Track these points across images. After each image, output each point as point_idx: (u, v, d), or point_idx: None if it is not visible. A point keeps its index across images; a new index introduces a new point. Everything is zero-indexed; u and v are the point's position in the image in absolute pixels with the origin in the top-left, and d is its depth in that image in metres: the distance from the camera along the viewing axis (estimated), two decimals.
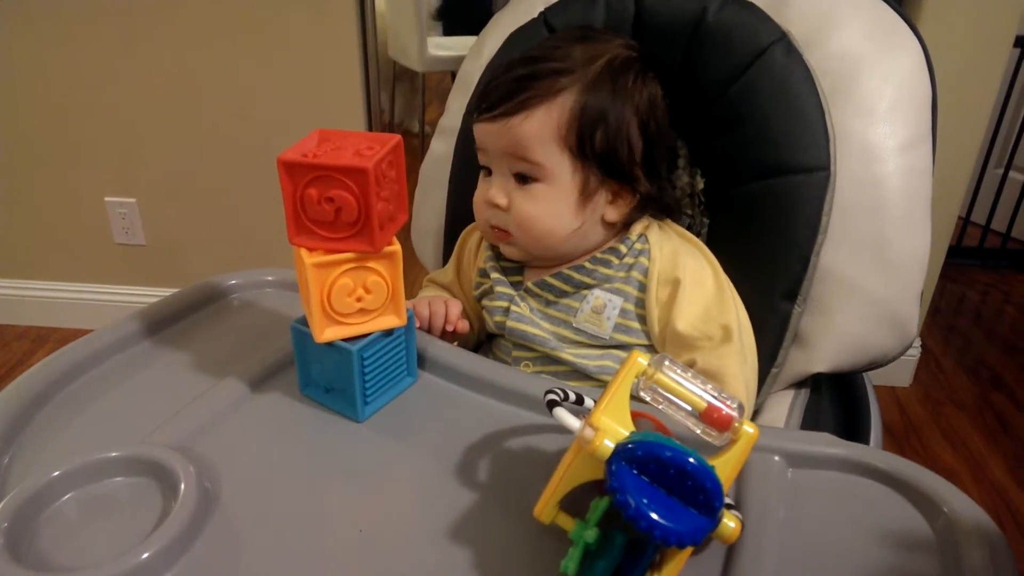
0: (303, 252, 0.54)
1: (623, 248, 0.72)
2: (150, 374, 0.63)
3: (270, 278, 0.76)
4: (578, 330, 0.71)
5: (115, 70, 1.61)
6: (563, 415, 0.46)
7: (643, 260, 0.71)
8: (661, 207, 0.74)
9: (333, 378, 0.58)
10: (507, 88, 0.67)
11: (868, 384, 0.81)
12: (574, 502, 0.44)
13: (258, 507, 0.49)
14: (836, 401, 0.80)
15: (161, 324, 0.68)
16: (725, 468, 0.43)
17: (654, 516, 0.38)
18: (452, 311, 0.73)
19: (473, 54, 0.88)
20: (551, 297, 0.73)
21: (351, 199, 0.51)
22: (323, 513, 0.50)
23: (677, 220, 0.79)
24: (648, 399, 0.45)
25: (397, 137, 0.55)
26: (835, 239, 0.71)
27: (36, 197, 1.77)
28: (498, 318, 0.74)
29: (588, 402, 0.52)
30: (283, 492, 0.51)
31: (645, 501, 0.39)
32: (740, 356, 0.68)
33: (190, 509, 0.46)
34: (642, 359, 0.45)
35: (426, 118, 3.31)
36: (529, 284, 0.74)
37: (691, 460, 0.40)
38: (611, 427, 0.42)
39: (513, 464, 0.54)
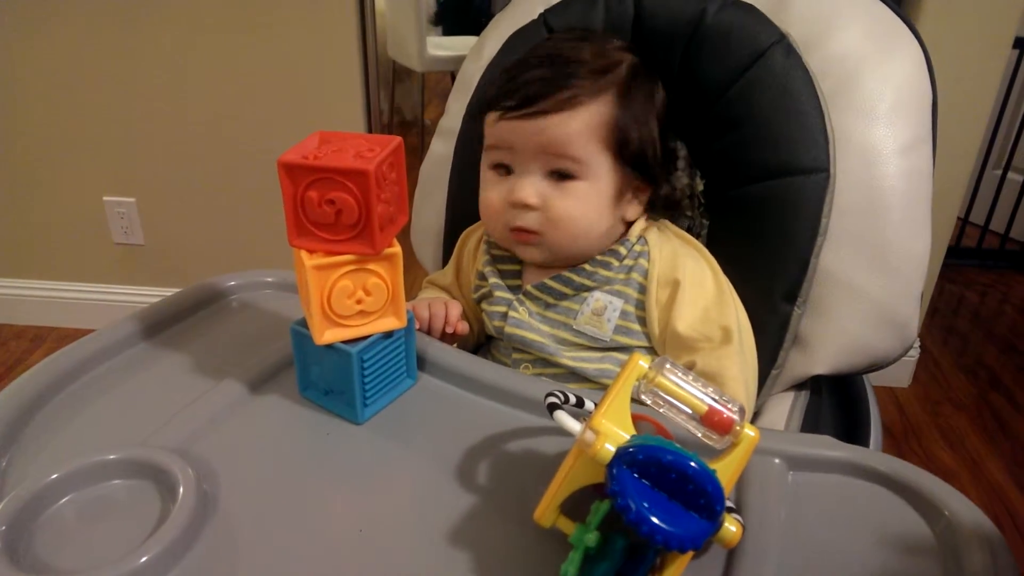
0: (303, 254, 0.54)
1: (623, 250, 0.72)
2: (148, 376, 0.63)
3: (269, 279, 0.76)
4: (578, 332, 0.71)
5: (114, 69, 1.61)
6: (564, 418, 0.46)
7: (643, 262, 0.71)
8: (668, 204, 0.76)
9: (332, 380, 0.58)
10: (541, 86, 0.66)
11: (868, 386, 0.81)
12: (575, 506, 0.44)
13: (257, 510, 0.49)
14: (836, 403, 0.79)
15: (160, 325, 0.68)
16: (726, 471, 0.43)
17: (655, 520, 0.38)
18: (452, 313, 0.73)
19: (473, 55, 0.88)
20: (550, 300, 0.73)
21: (352, 201, 0.51)
22: (322, 516, 0.50)
23: (677, 218, 0.79)
24: (649, 402, 0.45)
25: (398, 139, 0.55)
26: (835, 241, 0.71)
27: (34, 196, 1.76)
28: (497, 323, 0.74)
29: (589, 405, 0.52)
30: (282, 495, 0.51)
31: (646, 505, 0.39)
32: (740, 357, 0.68)
33: (189, 512, 0.46)
34: (643, 362, 0.45)
35: (425, 117, 3.31)
36: (528, 287, 0.74)
37: (692, 464, 0.40)
38: (612, 430, 0.42)
39: (513, 467, 0.54)
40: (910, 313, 0.72)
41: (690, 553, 0.41)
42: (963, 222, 2.36)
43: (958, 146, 1.47)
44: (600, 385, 0.70)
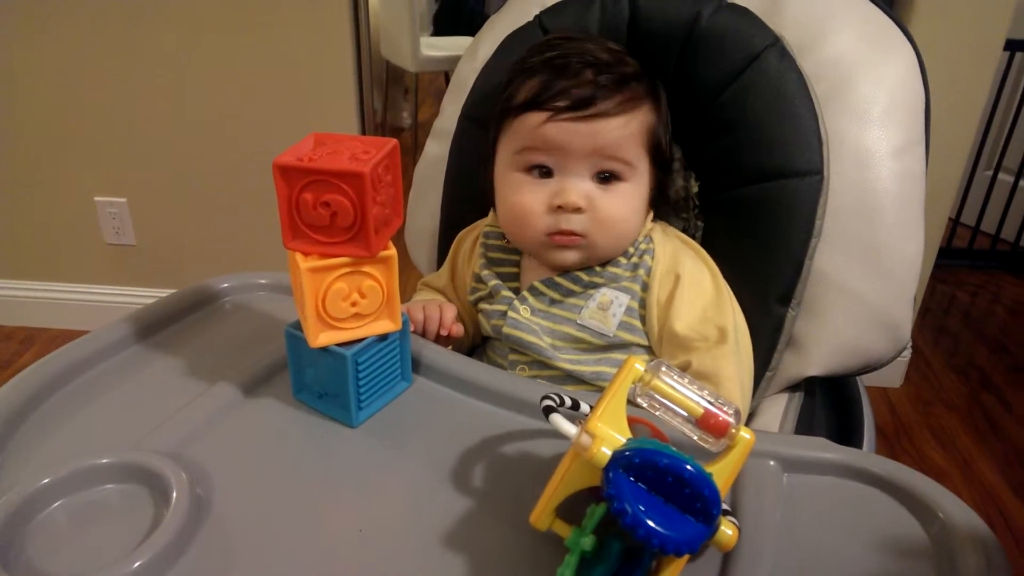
0: (298, 256, 0.54)
1: (630, 248, 0.72)
2: (141, 379, 0.62)
3: (263, 281, 0.75)
4: (582, 327, 0.71)
5: (106, 70, 1.60)
6: (560, 421, 0.45)
7: (647, 259, 0.72)
8: (665, 206, 0.78)
9: (327, 383, 0.58)
10: (597, 88, 0.66)
11: (861, 387, 0.81)
12: (570, 509, 0.44)
13: (251, 514, 0.49)
14: (829, 404, 0.80)
15: (152, 328, 0.68)
16: (722, 474, 0.43)
17: (651, 524, 0.38)
18: (447, 315, 0.73)
19: (468, 56, 0.88)
20: (557, 296, 0.73)
21: (347, 203, 0.51)
22: (317, 520, 0.49)
23: (672, 220, 0.80)
24: (645, 405, 0.45)
25: (393, 141, 0.54)
26: (829, 243, 0.71)
27: (25, 196, 1.75)
28: (495, 321, 0.74)
29: (584, 407, 0.52)
30: (276, 498, 0.51)
31: (642, 509, 0.39)
32: (736, 357, 0.68)
33: (182, 516, 0.46)
34: (639, 365, 0.45)
35: (418, 118, 3.31)
36: (535, 283, 0.73)
37: (688, 467, 0.40)
38: (608, 434, 0.42)
39: (509, 470, 0.54)
40: (903, 315, 0.72)
41: (686, 556, 0.41)
42: (954, 223, 2.37)
43: (949, 147, 1.48)
44: (596, 388, 0.70)
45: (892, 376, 1.76)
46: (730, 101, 0.73)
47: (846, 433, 0.75)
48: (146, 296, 1.81)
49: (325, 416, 0.58)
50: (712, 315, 0.70)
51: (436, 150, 0.89)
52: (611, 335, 0.70)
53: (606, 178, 0.69)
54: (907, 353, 1.77)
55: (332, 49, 1.55)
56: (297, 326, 0.58)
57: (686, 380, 0.45)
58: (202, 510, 0.48)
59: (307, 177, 0.51)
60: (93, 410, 0.58)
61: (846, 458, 0.54)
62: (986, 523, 0.47)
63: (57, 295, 1.86)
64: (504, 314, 0.73)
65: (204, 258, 1.79)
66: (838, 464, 0.54)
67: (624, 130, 0.68)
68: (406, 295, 0.78)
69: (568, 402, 0.51)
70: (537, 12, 0.82)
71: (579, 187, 0.68)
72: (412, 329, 0.69)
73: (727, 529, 0.42)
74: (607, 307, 0.71)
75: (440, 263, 0.87)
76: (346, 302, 0.54)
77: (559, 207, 0.68)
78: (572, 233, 0.68)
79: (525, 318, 0.73)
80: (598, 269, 0.72)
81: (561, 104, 0.66)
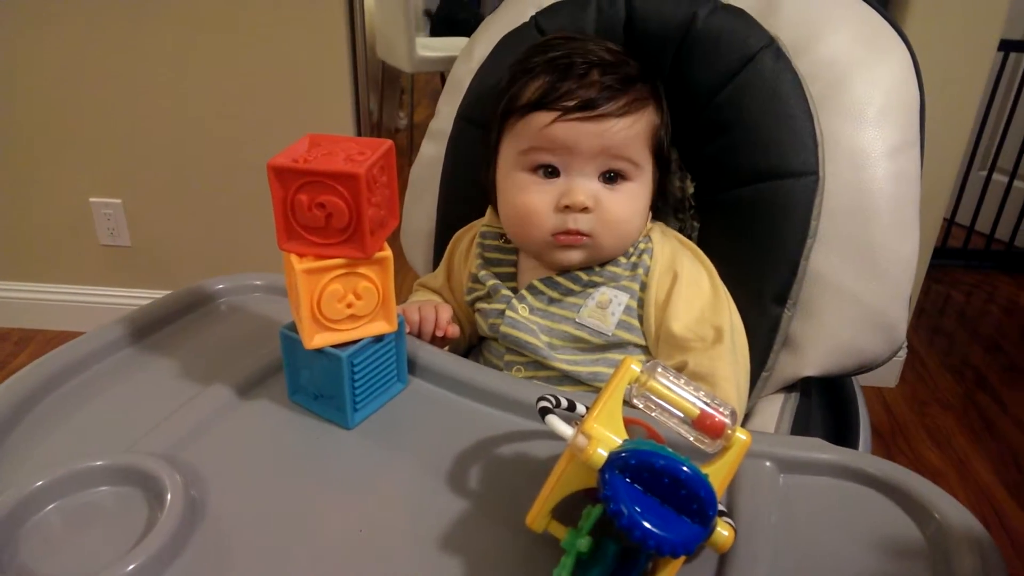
0: (293, 258, 0.53)
1: (630, 248, 0.72)
2: (136, 380, 0.62)
3: (258, 282, 0.75)
4: (580, 325, 0.71)
5: (101, 69, 1.59)
6: (556, 423, 0.45)
7: (646, 258, 0.72)
8: (669, 204, 0.79)
9: (322, 384, 0.58)
10: (604, 88, 0.67)
11: (856, 387, 0.81)
12: (566, 510, 0.44)
13: (246, 516, 0.49)
14: (825, 404, 0.80)
15: (147, 329, 0.68)
16: (718, 475, 0.43)
17: (648, 525, 0.38)
18: (442, 316, 0.73)
19: (464, 57, 0.88)
20: (556, 295, 0.73)
21: (342, 205, 0.51)
22: (312, 522, 0.49)
23: (668, 220, 0.80)
24: (641, 406, 0.45)
25: (389, 142, 0.54)
26: (824, 243, 0.71)
27: (19, 197, 1.74)
28: (493, 320, 0.74)
29: (580, 408, 0.52)
30: (271, 500, 0.51)
31: (638, 510, 0.39)
32: (732, 357, 0.68)
33: (176, 519, 0.46)
34: (635, 366, 0.45)
35: (414, 119, 3.30)
36: (535, 282, 0.73)
37: (685, 469, 0.40)
38: (604, 435, 0.42)
39: (505, 472, 0.54)
40: (899, 315, 0.72)
41: (682, 558, 0.41)
42: (949, 223, 2.38)
43: (944, 148, 1.48)
44: (593, 388, 0.70)
45: (888, 376, 1.77)
46: (726, 102, 0.73)
47: (842, 433, 0.75)
48: (141, 298, 1.81)
49: (320, 418, 0.58)
50: (709, 316, 0.70)
51: (432, 151, 0.89)
52: (609, 334, 0.71)
53: (612, 178, 0.69)
54: (902, 353, 1.77)
55: (328, 50, 1.55)
56: (292, 327, 0.57)
57: (682, 381, 0.45)
58: (197, 512, 0.48)
59: (302, 178, 0.51)
60: (88, 412, 0.58)
61: (842, 459, 0.54)
62: (981, 523, 0.48)
63: (52, 296, 1.85)
64: (502, 313, 0.73)
65: (199, 259, 1.78)
66: (834, 465, 0.54)
67: (631, 130, 0.68)
68: (402, 296, 0.78)
69: (564, 403, 0.51)
70: (533, 13, 0.82)
71: (586, 187, 0.68)
72: (408, 330, 0.69)
73: (723, 530, 0.42)
74: (606, 306, 0.71)
75: (436, 264, 0.87)
76: (341, 303, 0.54)
77: (567, 207, 0.68)
78: (578, 233, 0.68)
79: (523, 317, 0.72)
80: (597, 268, 0.72)
81: (569, 104, 0.66)
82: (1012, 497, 1.45)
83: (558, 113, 0.66)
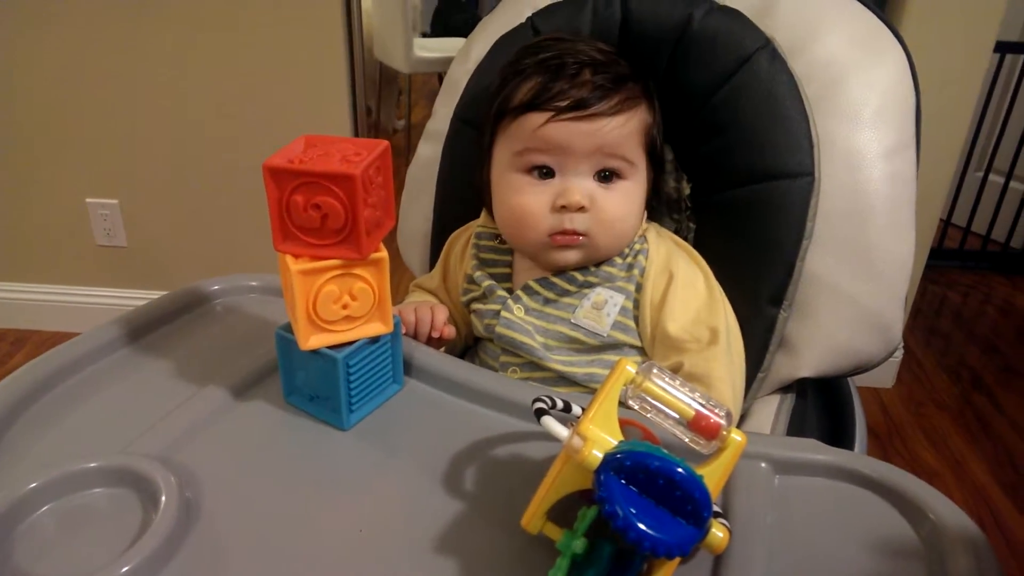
0: (288, 258, 0.53)
1: (625, 248, 0.72)
2: (131, 381, 0.62)
3: (254, 283, 0.75)
4: (575, 326, 0.71)
5: (97, 70, 1.59)
6: (551, 424, 0.45)
7: (641, 259, 0.72)
8: (664, 204, 0.79)
9: (318, 386, 0.58)
10: (597, 88, 0.67)
11: (852, 388, 0.81)
12: (562, 512, 0.44)
13: (241, 517, 0.49)
14: (821, 405, 0.80)
15: (142, 330, 0.67)
16: (713, 476, 0.43)
17: (643, 527, 0.38)
18: (438, 317, 0.73)
19: (460, 58, 0.88)
20: (551, 295, 0.73)
21: (338, 206, 0.51)
22: (307, 523, 0.49)
23: (663, 221, 0.80)
24: (636, 407, 0.45)
25: (384, 143, 0.54)
26: (820, 244, 0.71)
27: (15, 197, 1.74)
28: (488, 321, 0.74)
29: (576, 409, 0.51)
30: (266, 502, 0.50)
31: (633, 511, 0.39)
32: (727, 359, 0.68)
33: (171, 520, 0.46)
34: (630, 367, 0.45)
35: (412, 119, 3.30)
36: (530, 282, 0.73)
37: (680, 470, 0.40)
38: (599, 436, 0.42)
39: (500, 473, 0.54)
40: (894, 316, 0.73)
41: (677, 559, 0.41)
42: (945, 224, 2.38)
43: (941, 149, 1.48)
44: (589, 389, 0.70)
45: (884, 377, 1.77)
46: (721, 103, 0.73)
47: (838, 434, 0.75)
48: (137, 298, 1.81)
49: (316, 419, 0.58)
50: (704, 317, 0.70)
51: (428, 152, 0.89)
52: (605, 335, 0.71)
53: (607, 176, 0.69)
54: (899, 354, 1.78)
55: (325, 50, 1.55)
56: (288, 328, 0.57)
57: (677, 382, 0.45)
58: (191, 514, 0.48)
59: (297, 179, 0.51)
60: (82, 413, 0.58)
61: (837, 460, 0.54)
62: (977, 523, 0.48)
63: (48, 297, 1.85)
64: (497, 314, 0.73)
65: (196, 260, 1.78)
66: (829, 466, 0.54)
67: (624, 129, 0.68)
68: (399, 297, 0.78)
69: (560, 404, 0.51)
70: (529, 14, 0.82)
71: (582, 186, 0.68)
72: (404, 331, 0.69)
73: (718, 531, 0.42)
74: (601, 307, 0.71)
75: (433, 265, 0.87)
76: (337, 304, 0.54)
77: (563, 207, 0.68)
78: (575, 233, 0.68)
79: (518, 318, 0.72)
80: (593, 269, 0.72)
81: (562, 104, 0.66)
82: (1008, 497, 1.45)
83: (551, 113, 0.67)
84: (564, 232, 0.69)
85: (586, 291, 0.72)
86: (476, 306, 0.76)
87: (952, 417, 1.69)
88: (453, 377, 0.62)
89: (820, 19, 0.74)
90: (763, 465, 0.54)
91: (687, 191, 0.79)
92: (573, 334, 0.71)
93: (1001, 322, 2.13)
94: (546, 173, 0.69)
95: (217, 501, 0.49)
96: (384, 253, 0.55)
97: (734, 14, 0.74)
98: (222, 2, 1.51)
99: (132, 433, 0.54)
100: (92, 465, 0.50)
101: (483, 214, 0.80)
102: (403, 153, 3.07)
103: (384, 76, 3.26)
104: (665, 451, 0.41)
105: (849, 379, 0.81)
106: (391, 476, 0.54)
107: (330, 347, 0.55)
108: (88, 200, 1.73)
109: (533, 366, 0.72)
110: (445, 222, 0.87)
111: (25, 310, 1.85)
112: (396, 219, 0.61)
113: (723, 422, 0.43)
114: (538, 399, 0.49)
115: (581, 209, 0.68)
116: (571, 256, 0.70)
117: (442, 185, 0.88)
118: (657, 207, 0.79)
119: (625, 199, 0.70)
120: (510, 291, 0.75)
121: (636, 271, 0.72)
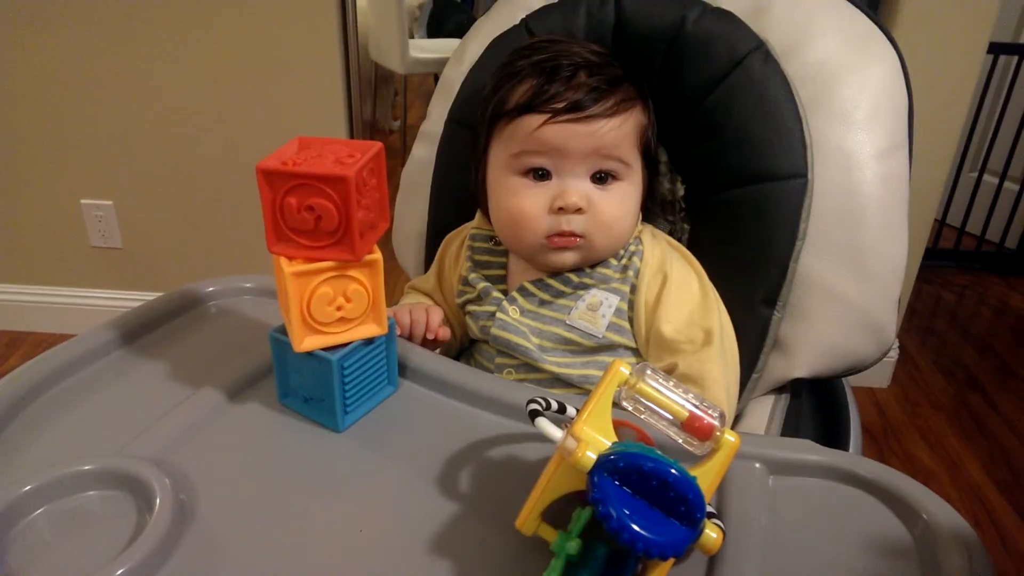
0: (282, 260, 0.53)
1: (620, 249, 0.72)
2: (125, 384, 0.62)
3: (248, 285, 0.75)
4: (571, 327, 0.71)
5: (92, 71, 1.59)
6: (545, 425, 0.46)
7: (636, 260, 0.72)
8: (658, 205, 0.79)
9: (312, 388, 0.58)
10: (593, 90, 0.67)
11: (847, 388, 0.81)
12: (556, 513, 0.44)
13: (235, 520, 0.49)
14: (816, 406, 0.80)
15: (136, 332, 0.67)
16: (707, 477, 0.43)
17: (636, 528, 0.38)
18: (433, 319, 0.73)
19: (455, 59, 0.88)
20: (546, 297, 0.73)
21: (332, 208, 0.51)
22: (302, 525, 0.49)
23: (658, 222, 0.80)
24: (630, 408, 0.45)
25: (378, 145, 0.54)
26: (813, 245, 0.72)
27: (10, 198, 1.74)
28: (483, 323, 0.74)
29: (570, 410, 0.52)
30: (261, 504, 0.50)
31: (627, 513, 0.39)
32: (721, 360, 0.69)
33: (165, 523, 0.46)
34: (624, 368, 0.45)
35: (407, 120, 3.30)
36: (525, 283, 0.73)
37: (673, 471, 0.40)
38: (593, 438, 0.42)
39: (495, 474, 0.54)
40: (888, 317, 0.73)
41: (671, 560, 0.41)
42: (940, 224, 2.39)
43: (935, 150, 1.49)
44: (583, 391, 0.70)
45: (879, 377, 1.78)
46: (715, 105, 0.74)
47: (833, 435, 0.76)
48: (132, 300, 1.80)
49: (310, 421, 0.58)
50: (698, 318, 0.70)
51: (423, 153, 0.89)
52: (600, 336, 0.71)
53: (603, 178, 0.69)
54: (894, 354, 1.78)
55: (320, 52, 1.55)
56: (282, 330, 0.57)
57: (671, 383, 0.45)
58: (186, 516, 0.48)
59: (291, 181, 0.51)
60: (77, 415, 0.58)
61: (831, 460, 0.54)
62: (973, 522, 0.48)
63: (42, 298, 1.84)
64: (492, 315, 0.73)
65: (191, 262, 1.78)
66: (823, 466, 0.54)
67: (620, 130, 0.68)
68: (394, 298, 0.78)
69: (554, 406, 0.51)
70: (523, 15, 0.82)
71: (579, 188, 0.68)
72: (399, 333, 0.69)
73: (712, 532, 0.42)
74: (596, 308, 0.71)
75: (428, 266, 0.87)
76: (331, 306, 0.54)
77: (560, 208, 0.68)
78: (572, 234, 0.69)
79: (513, 319, 0.72)
80: (588, 270, 0.72)
81: (559, 106, 0.66)
82: (1003, 496, 1.46)
83: (548, 115, 0.67)
84: (562, 234, 0.69)
85: (581, 292, 0.72)
86: (471, 308, 0.76)
87: (947, 417, 1.70)
88: (448, 379, 0.62)
89: (813, 21, 0.74)
90: (757, 466, 0.54)
91: (681, 192, 0.79)
92: (568, 335, 0.71)
93: (996, 322, 2.14)
94: (542, 175, 0.69)
95: (212, 503, 0.49)
96: (378, 255, 0.55)
97: (727, 16, 0.74)
98: (217, 3, 1.51)
99: (127, 435, 0.54)
100: (87, 467, 0.49)
101: (477, 216, 0.80)
102: (399, 154, 3.06)
103: (379, 77, 3.26)
104: (659, 452, 0.41)
105: (844, 379, 0.81)
106: (386, 478, 0.54)
107: (324, 349, 0.55)
108: (83, 201, 1.72)
109: (528, 367, 0.72)
110: (440, 223, 0.87)
111: (20, 312, 1.85)
112: (391, 221, 0.61)
113: (716, 423, 0.44)
114: (532, 400, 0.49)
115: (578, 211, 0.68)
116: (568, 258, 0.71)
117: (437, 187, 0.88)
118: (652, 208, 0.80)
119: (621, 200, 0.70)
120: (505, 293, 0.75)
121: (631, 272, 0.72)
